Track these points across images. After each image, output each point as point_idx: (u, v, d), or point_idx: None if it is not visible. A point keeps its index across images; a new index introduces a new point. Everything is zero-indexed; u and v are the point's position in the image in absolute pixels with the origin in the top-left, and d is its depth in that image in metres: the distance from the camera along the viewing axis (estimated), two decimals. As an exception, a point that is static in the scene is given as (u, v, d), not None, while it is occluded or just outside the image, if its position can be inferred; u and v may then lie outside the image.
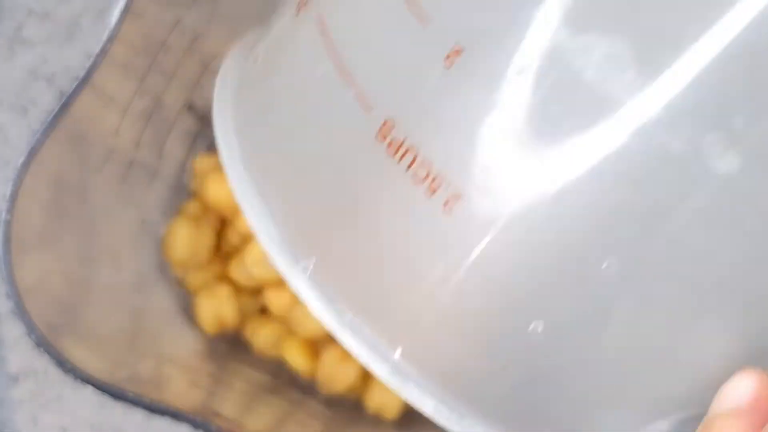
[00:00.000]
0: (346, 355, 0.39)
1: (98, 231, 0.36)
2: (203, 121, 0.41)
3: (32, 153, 0.32)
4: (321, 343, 0.40)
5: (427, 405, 0.22)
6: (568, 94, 0.19)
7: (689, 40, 0.18)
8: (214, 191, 0.39)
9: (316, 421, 0.38)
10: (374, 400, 0.39)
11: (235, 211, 0.39)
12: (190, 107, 0.40)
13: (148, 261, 0.39)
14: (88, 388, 0.31)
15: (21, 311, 0.31)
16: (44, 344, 0.31)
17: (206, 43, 0.39)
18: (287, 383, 0.40)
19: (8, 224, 0.31)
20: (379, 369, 0.22)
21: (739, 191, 0.18)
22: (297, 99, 0.24)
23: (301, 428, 0.37)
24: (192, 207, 0.41)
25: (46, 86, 0.48)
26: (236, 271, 0.40)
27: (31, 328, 0.31)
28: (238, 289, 0.40)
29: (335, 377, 0.39)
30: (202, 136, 0.42)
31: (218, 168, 0.40)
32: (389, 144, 0.21)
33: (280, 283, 0.39)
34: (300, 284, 0.23)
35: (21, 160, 0.31)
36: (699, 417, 0.19)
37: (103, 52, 0.33)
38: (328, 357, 0.39)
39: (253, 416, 0.35)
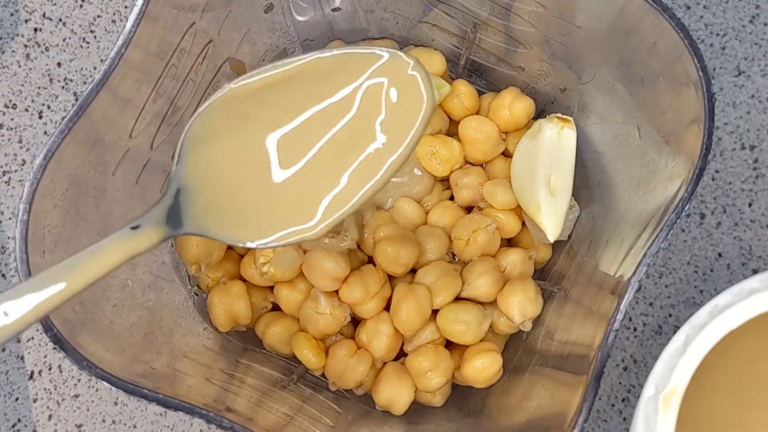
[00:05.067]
0: (355, 351, 0.39)
1: (113, 230, 0.36)
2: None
3: (49, 154, 0.32)
4: (331, 339, 0.41)
5: None
6: None
7: None
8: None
9: (326, 417, 0.38)
10: (383, 396, 0.39)
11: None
12: (203, 109, 0.40)
13: (162, 260, 0.39)
14: (104, 385, 0.31)
15: (38, 309, 0.31)
16: (60, 341, 0.31)
17: (219, 47, 0.39)
18: (298, 379, 0.40)
19: (25, 224, 0.31)
20: None
21: None
22: None
23: (312, 424, 0.37)
24: (205, 207, 0.41)
25: (62, 89, 0.48)
26: (248, 270, 0.40)
27: (47, 326, 0.31)
28: (250, 287, 0.41)
29: (345, 373, 0.39)
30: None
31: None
32: None
33: (291, 281, 0.40)
34: None
35: (38, 161, 0.31)
36: None
37: (119, 56, 0.33)
38: (338, 353, 0.39)
39: (264, 412, 0.36)
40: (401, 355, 0.41)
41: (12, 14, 0.49)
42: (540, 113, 0.44)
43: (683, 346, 0.28)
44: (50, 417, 0.46)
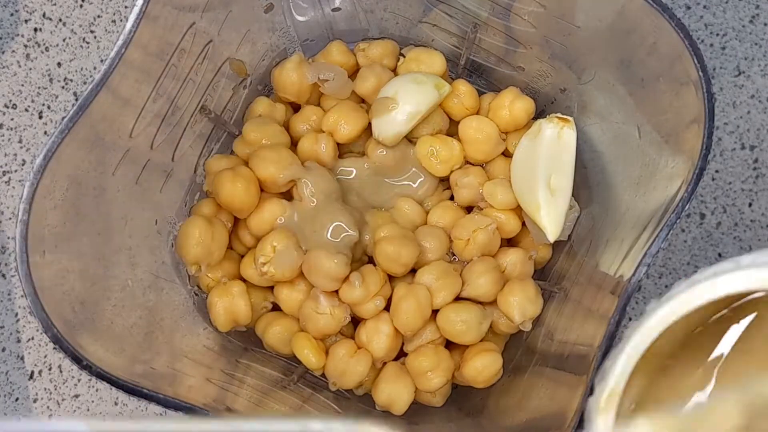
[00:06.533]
0: (355, 351, 0.39)
1: (114, 231, 0.36)
2: (215, 122, 0.42)
3: (49, 154, 0.32)
4: (331, 339, 0.40)
5: None
6: None
7: None
8: (226, 191, 0.39)
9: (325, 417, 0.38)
10: (383, 396, 0.39)
11: (247, 210, 0.40)
12: (203, 109, 0.40)
13: (162, 260, 0.39)
14: (104, 385, 0.31)
15: (38, 309, 0.31)
16: (60, 341, 0.31)
17: (219, 47, 0.39)
18: (298, 379, 0.40)
19: (25, 224, 0.31)
20: None
21: None
22: None
23: (312, 423, 0.37)
24: (205, 207, 0.41)
25: (62, 89, 0.48)
26: (248, 270, 0.40)
27: (47, 326, 0.31)
28: (250, 287, 0.41)
29: (345, 373, 0.39)
30: (214, 138, 0.42)
31: (230, 168, 0.40)
32: None
33: (291, 281, 0.40)
34: None
35: (38, 161, 0.31)
36: None
37: (119, 56, 0.33)
38: (338, 353, 0.39)
39: (264, 411, 0.36)
40: (401, 355, 0.41)
41: (12, 14, 0.49)
42: (540, 113, 0.44)
43: (623, 344, 0.27)
44: (50, 417, 0.46)
